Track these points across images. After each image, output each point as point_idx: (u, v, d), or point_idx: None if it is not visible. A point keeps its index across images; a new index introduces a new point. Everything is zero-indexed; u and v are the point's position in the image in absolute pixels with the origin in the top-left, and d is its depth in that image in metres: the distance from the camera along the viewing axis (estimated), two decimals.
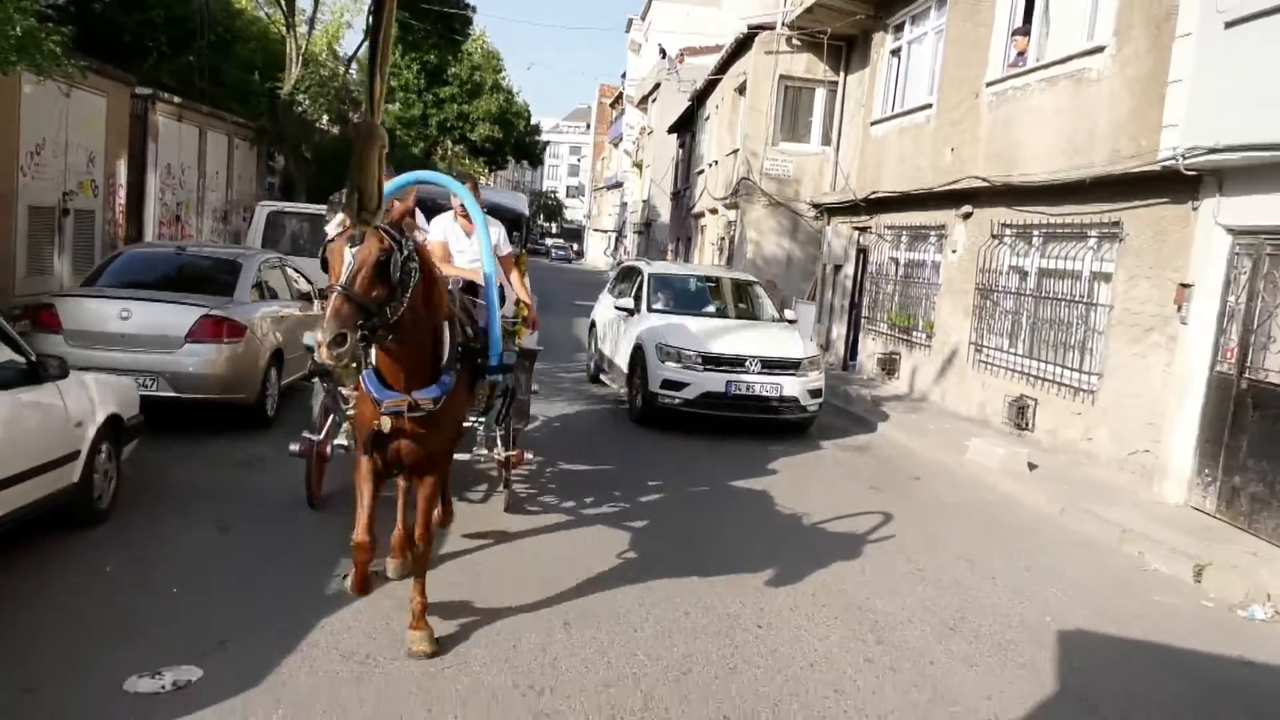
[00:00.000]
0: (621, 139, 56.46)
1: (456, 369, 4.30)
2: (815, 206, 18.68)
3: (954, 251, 12.68)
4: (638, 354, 10.26)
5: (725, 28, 34.93)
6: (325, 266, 3.77)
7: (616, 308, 11.57)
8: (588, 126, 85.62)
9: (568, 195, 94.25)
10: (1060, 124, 10.25)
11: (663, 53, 36.59)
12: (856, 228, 16.64)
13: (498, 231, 5.94)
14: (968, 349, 12.05)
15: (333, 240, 3.71)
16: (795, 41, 18.43)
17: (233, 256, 9.16)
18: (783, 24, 18.70)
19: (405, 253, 3.72)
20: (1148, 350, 8.77)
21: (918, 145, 13.96)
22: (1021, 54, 11.41)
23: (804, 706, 4.09)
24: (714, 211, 23.49)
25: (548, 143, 40.45)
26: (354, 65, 24.33)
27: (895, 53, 15.57)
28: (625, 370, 10.79)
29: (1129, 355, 9.03)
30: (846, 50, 18.00)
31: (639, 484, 7.65)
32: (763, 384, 9.83)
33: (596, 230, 70.43)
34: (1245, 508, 7.42)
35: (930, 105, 13.61)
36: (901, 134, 14.78)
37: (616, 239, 58.06)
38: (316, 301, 6.40)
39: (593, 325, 13.32)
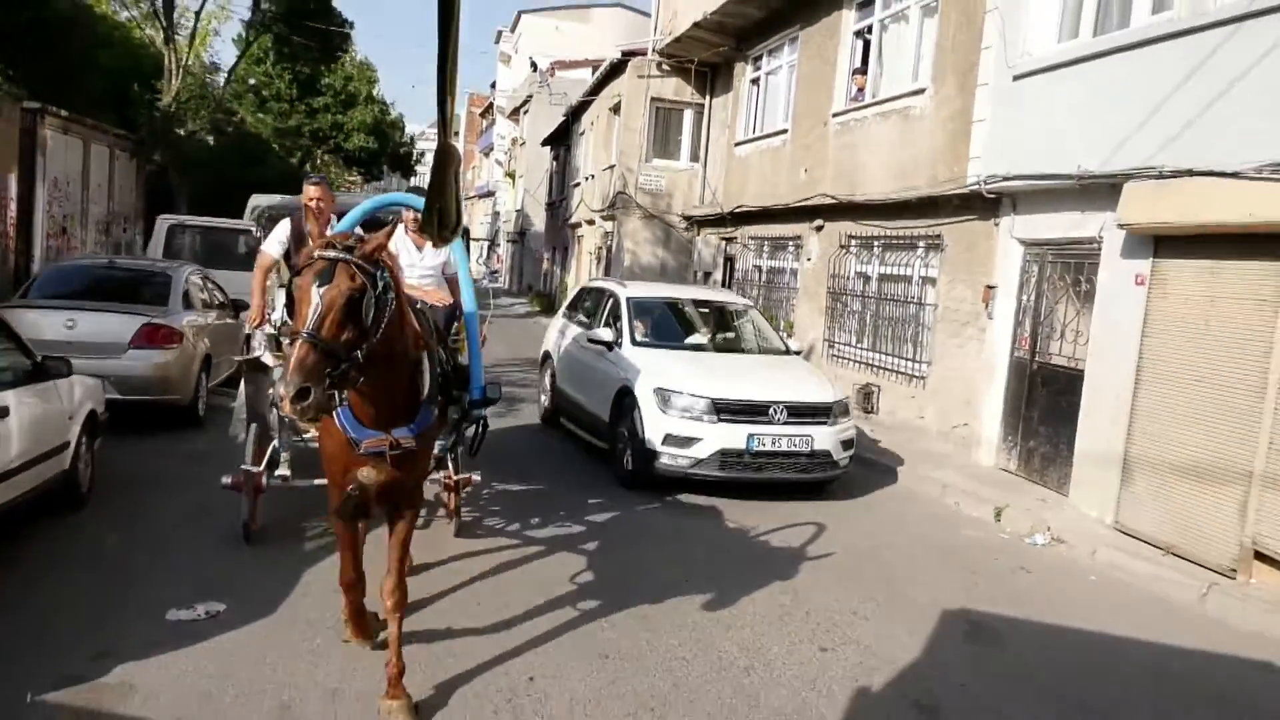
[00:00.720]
0: (493, 148, 57.10)
1: (438, 400, 4.13)
2: (686, 218, 20.26)
3: (809, 260, 14.38)
4: (624, 400, 8.49)
5: (594, 42, 36.45)
6: (290, 304, 3.49)
7: (590, 340, 9.44)
8: (456, 134, 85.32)
9: None
10: (893, 151, 12.02)
11: (534, 66, 37.74)
12: (724, 238, 18.27)
13: (446, 249, 5.86)
14: (823, 345, 13.75)
15: (299, 275, 3.38)
16: (665, 67, 20.03)
17: (162, 269, 9.83)
18: (653, 50, 20.25)
19: (380, 287, 3.42)
20: (964, 341, 10.57)
21: (776, 165, 15.63)
22: (861, 90, 13.15)
23: (695, 603, 5.42)
24: (591, 222, 24.75)
25: (423, 153, 40.78)
26: (232, 76, 24.43)
27: (755, 82, 17.25)
28: (605, 419, 8.85)
29: (950, 346, 10.83)
30: (712, 77, 19.66)
31: (573, 497, 7.81)
32: (790, 437, 8.02)
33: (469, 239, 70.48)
34: (1037, 465, 9.24)
35: (786, 130, 15.29)
36: (762, 155, 16.45)
37: (489, 247, 58.62)
38: (245, 318, 6.86)
39: (546, 358, 11.22)
